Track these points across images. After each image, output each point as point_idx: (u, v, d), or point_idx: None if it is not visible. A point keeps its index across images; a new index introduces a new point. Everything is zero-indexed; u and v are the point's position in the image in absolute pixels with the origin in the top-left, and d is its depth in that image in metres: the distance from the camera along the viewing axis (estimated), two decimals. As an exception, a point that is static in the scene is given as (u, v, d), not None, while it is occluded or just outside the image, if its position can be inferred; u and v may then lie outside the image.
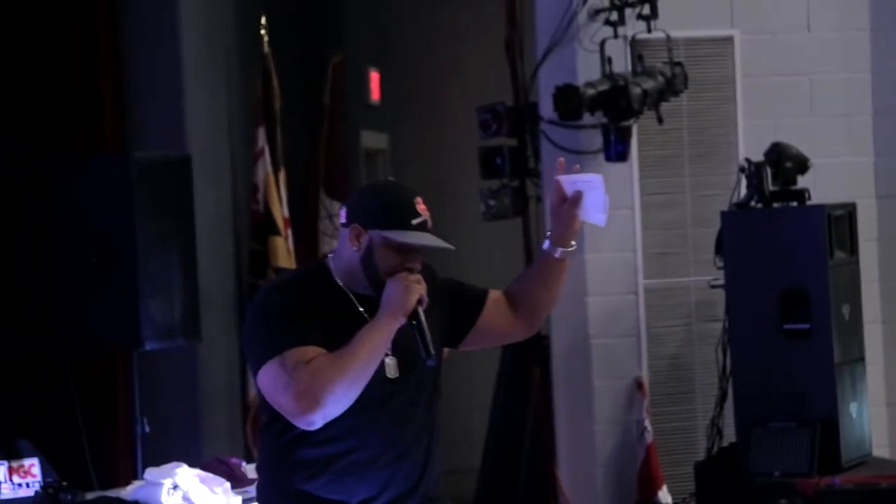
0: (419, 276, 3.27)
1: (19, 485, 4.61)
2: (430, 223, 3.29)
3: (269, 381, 3.19)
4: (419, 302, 3.24)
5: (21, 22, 6.21)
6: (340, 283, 3.31)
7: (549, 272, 3.51)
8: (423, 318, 3.26)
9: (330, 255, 3.37)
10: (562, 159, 3.54)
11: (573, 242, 3.49)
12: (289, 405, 3.15)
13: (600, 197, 3.43)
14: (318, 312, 3.25)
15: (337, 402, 3.15)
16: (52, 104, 6.24)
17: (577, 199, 3.42)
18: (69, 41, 6.27)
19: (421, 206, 3.29)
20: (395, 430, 3.31)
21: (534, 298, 3.52)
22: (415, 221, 3.26)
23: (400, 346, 3.29)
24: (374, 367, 3.19)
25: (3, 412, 5.69)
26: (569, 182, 3.46)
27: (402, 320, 3.22)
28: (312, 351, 3.18)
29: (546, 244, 3.50)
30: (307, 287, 3.30)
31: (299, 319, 3.21)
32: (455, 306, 3.46)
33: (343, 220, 3.31)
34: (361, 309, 3.29)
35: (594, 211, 3.44)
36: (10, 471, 4.61)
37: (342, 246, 3.32)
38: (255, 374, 3.26)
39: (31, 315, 5.82)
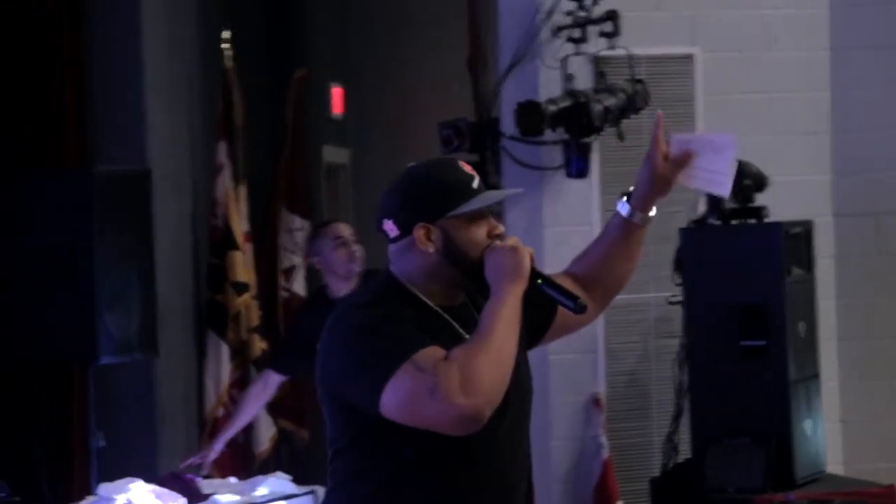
0: (515, 238, 2.89)
1: (-30, 499, 4.60)
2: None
3: (405, 393, 2.68)
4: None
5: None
6: (423, 297, 2.88)
7: (631, 242, 3.12)
8: (545, 273, 2.89)
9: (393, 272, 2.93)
10: (661, 112, 3.10)
11: (654, 208, 3.10)
12: (444, 408, 2.65)
13: (727, 160, 3.01)
14: (416, 325, 2.81)
15: (498, 389, 2.70)
16: (14, 118, 6.22)
17: (682, 160, 3.03)
18: (31, 55, 6.25)
19: (467, 166, 2.92)
20: (507, 459, 2.88)
21: (614, 275, 3.10)
22: (475, 184, 2.88)
23: None
24: (515, 344, 2.77)
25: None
26: (681, 141, 3.03)
27: (523, 286, 2.82)
28: (440, 350, 2.72)
29: (625, 209, 3.10)
30: (392, 302, 2.85)
31: (408, 325, 2.78)
32: (527, 304, 2.91)
33: (395, 231, 2.89)
34: (453, 322, 2.88)
35: (716, 177, 3.02)
36: (-39, 485, 4.59)
37: (405, 258, 2.89)
38: (371, 402, 2.72)
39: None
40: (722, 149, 3.01)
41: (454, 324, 2.87)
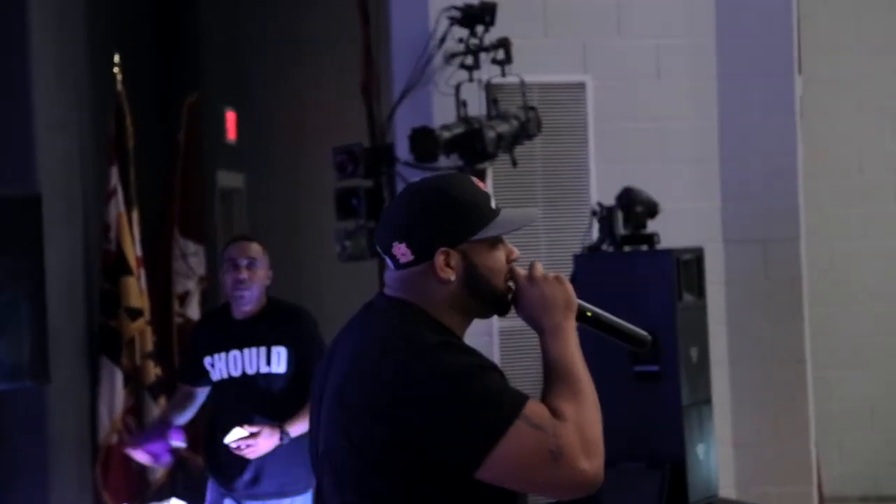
0: (538, 263, 2.61)
1: None
2: None
3: (524, 454, 2.38)
4: None
5: None
6: (454, 330, 2.56)
7: None
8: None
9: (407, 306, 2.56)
10: None
11: None
12: (569, 472, 2.39)
13: None
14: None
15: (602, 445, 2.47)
16: None
17: None
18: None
19: (481, 184, 2.60)
20: None
21: None
22: (493, 204, 2.56)
23: None
24: None
25: None
26: None
27: (574, 319, 2.58)
28: (541, 404, 2.45)
29: None
30: (455, 340, 2.53)
31: (496, 372, 2.47)
32: None
33: (408, 256, 2.52)
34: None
35: None
36: None
37: (417, 286, 2.54)
38: (470, 460, 2.39)
39: None
40: None
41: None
